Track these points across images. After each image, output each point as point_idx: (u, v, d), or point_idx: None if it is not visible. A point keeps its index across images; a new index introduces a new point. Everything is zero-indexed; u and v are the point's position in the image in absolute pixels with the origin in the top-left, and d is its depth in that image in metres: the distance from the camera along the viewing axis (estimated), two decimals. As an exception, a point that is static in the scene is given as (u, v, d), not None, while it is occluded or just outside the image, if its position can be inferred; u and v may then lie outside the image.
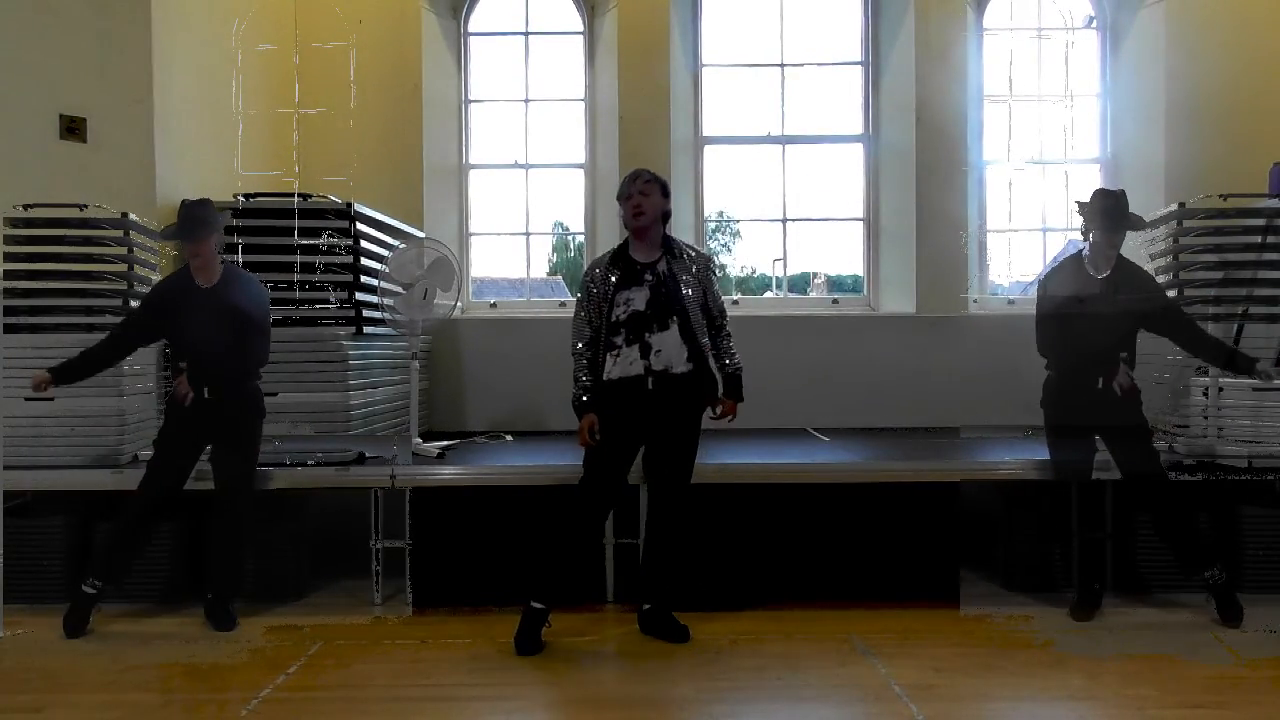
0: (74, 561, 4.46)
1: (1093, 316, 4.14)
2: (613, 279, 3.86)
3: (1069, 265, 4.34)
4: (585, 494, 3.88)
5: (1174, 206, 5.14)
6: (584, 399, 3.87)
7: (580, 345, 3.91)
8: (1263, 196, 5.24)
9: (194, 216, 4.13)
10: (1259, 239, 4.92)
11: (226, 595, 4.16)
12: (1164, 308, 4.25)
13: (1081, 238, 4.33)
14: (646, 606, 3.99)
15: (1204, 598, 4.19)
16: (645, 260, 3.89)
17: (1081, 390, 4.17)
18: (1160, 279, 4.79)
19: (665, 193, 3.94)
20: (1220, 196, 5.20)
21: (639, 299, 3.82)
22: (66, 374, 4.11)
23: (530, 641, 3.76)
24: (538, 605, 3.79)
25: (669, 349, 3.80)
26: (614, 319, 3.83)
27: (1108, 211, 4.19)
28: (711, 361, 3.94)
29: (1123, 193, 4.26)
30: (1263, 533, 4.44)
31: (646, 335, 3.79)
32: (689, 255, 3.96)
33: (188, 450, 4.17)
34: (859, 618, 4.17)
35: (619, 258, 3.92)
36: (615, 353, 3.82)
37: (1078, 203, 4.34)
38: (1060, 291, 4.25)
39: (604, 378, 3.85)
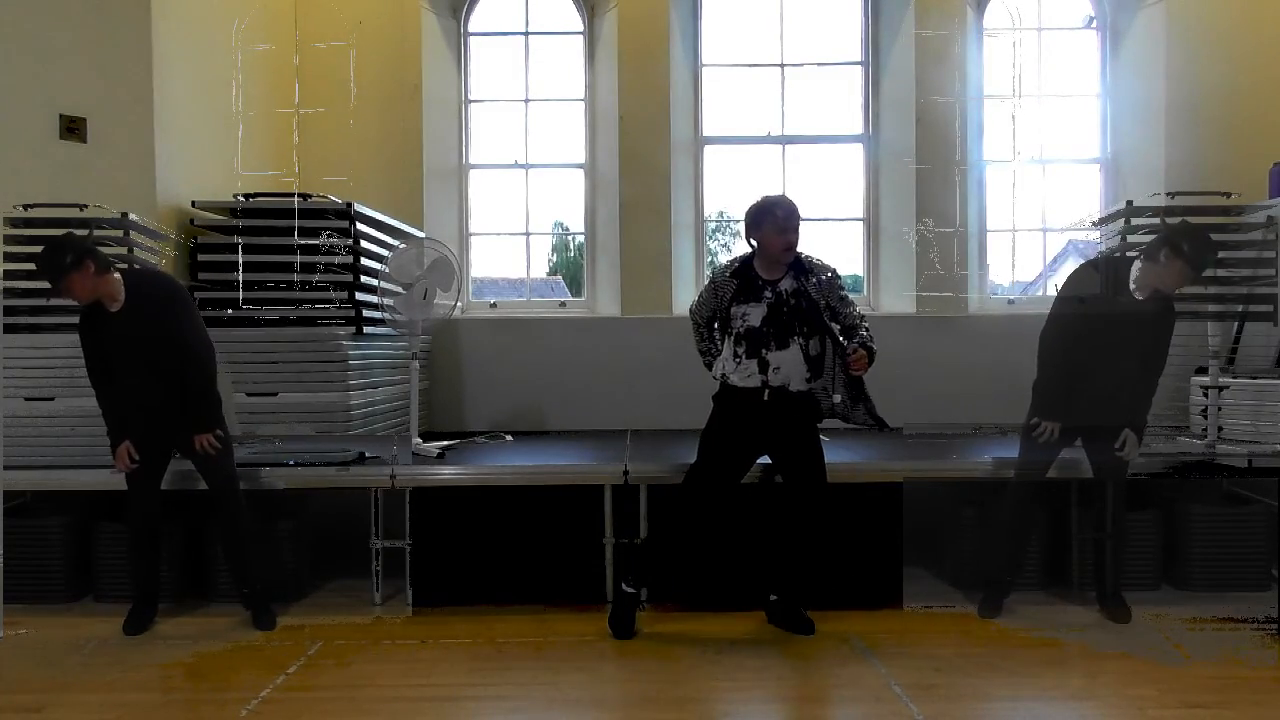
0: (74, 561, 4.47)
1: (1119, 333, 4.01)
2: (730, 290, 3.94)
3: (1107, 274, 4.14)
4: (694, 488, 4.01)
5: (1121, 205, 5.19)
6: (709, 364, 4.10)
7: (699, 313, 4.11)
8: (1206, 195, 5.26)
9: (45, 263, 3.86)
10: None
11: (257, 589, 4.15)
12: (1163, 341, 4.12)
13: (1140, 255, 4.10)
14: (774, 598, 4.10)
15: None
16: (768, 277, 3.93)
17: (1084, 397, 4.08)
18: None
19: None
20: (1168, 194, 5.23)
21: (755, 315, 3.89)
22: (116, 432, 4.04)
23: (625, 626, 3.98)
24: (629, 589, 4.04)
25: (788, 366, 3.89)
26: (733, 330, 3.93)
27: (1202, 260, 3.99)
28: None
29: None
30: (1211, 532, 4.49)
31: (764, 352, 3.87)
32: (814, 267, 3.96)
33: (150, 459, 4.08)
34: (859, 618, 4.17)
35: (741, 270, 3.96)
36: (737, 360, 3.93)
37: (1178, 224, 4.15)
38: (1092, 299, 4.08)
39: (724, 378, 3.97)
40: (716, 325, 4.09)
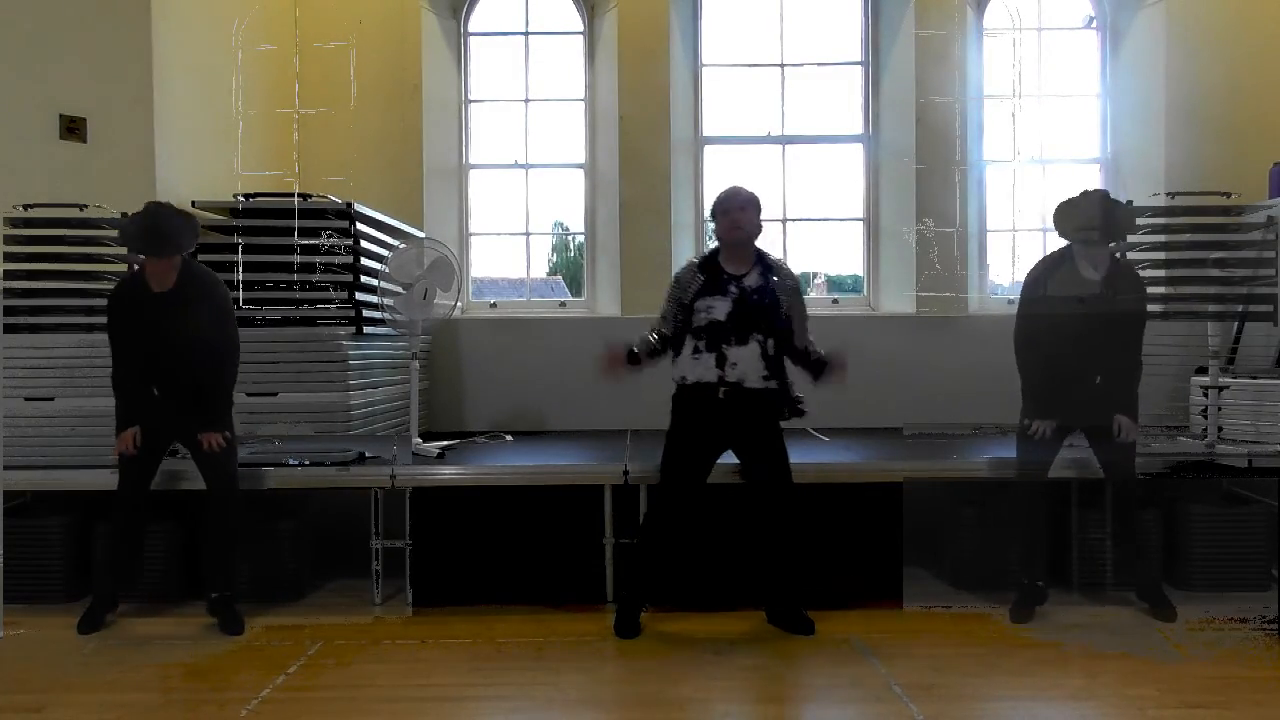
0: (74, 561, 4.47)
1: (1088, 319, 4.06)
2: (696, 285, 3.94)
3: (1057, 267, 4.18)
4: (662, 496, 4.07)
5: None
6: (634, 349, 4.02)
7: (658, 322, 4.07)
8: (1206, 195, 5.26)
9: (162, 231, 3.90)
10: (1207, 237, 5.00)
11: (227, 595, 4.13)
12: (1135, 317, 4.15)
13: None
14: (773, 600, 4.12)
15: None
16: (734, 272, 3.95)
17: (1072, 391, 4.11)
18: None
19: (760, 210, 4.01)
20: (1168, 194, 5.23)
21: (720, 309, 3.89)
22: (127, 417, 4.02)
23: (629, 627, 4.00)
24: (623, 594, 4.16)
25: (745, 363, 3.89)
26: (695, 324, 3.92)
27: (1091, 221, 4.06)
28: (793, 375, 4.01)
29: (1105, 194, 4.14)
30: (1211, 532, 4.51)
31: (723, 346, 3.88)
32: (782, 272, 4.01)
33: (151, 449, 4.09)
34: (859, 618, 4.17)
35: (707, 265, 3.99)
36: (696, 356, 3.92)
37: (1062, 205, 4.14)
38: (1052, 293, 4.14)
39: (682, 379, 3.97)
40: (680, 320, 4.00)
